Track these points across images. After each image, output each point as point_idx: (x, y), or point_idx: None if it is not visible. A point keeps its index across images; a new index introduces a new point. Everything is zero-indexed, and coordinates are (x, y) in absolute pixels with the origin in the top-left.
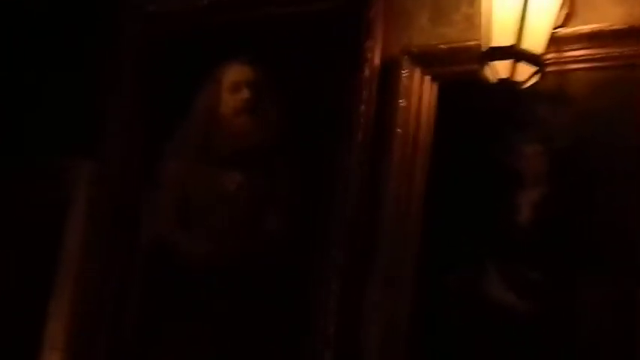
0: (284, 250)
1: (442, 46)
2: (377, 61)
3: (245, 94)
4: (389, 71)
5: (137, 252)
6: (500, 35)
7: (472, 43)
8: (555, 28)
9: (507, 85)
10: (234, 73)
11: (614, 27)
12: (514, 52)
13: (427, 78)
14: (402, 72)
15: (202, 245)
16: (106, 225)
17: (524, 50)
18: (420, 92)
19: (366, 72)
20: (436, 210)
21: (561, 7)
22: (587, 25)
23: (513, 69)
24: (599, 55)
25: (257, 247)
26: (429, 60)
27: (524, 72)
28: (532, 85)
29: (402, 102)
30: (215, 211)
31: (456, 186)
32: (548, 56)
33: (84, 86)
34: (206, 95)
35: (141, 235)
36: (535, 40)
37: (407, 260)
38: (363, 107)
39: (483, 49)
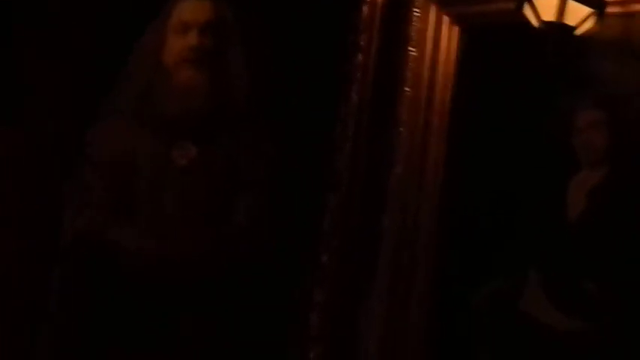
0: (257, 252)
1: None
2: None
3: (192, 39)
4: (395, 9)
5: (57, 251)
6: None
7: None
8: None
9: (555, 30)
10: (186, 10)
11: None
12: None
13: (446, 19)
14: (414, 11)
15: (149, 244)
16: (14, 214)
17: None
18: (437, 38)
19: (365, 10)
20: (458, 202)
21: None
22: None
23: (562, 9)
24: None
25: (220, 245)
26: None
27: (578, 13)
28: (588, 31)
29: (412, 51)
30: (163, 196)
31: (484, 169)
32: None
33: None
34: (149, 37)
35: (62, 232)
36: None
37: (419, 267)
38: (360, 57)
39: None
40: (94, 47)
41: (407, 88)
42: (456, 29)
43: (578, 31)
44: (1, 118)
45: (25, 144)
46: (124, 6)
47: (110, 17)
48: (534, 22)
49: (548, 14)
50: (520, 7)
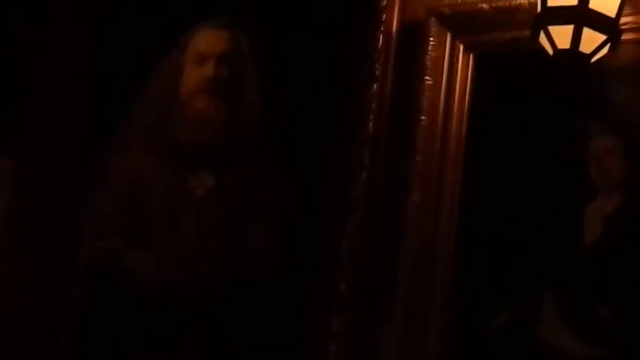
0: (272, 278)
1: (482, 5)
2: (395, 25)
3: (209, 70)
4: (411, 38)
5: (73, 279)
6: None
7: (523, 1)
8: None
9: (570, 58)
10: (203, 40)
11: None
12: (579, 15)
13: (461, 47)
14: (429, 40)
15: (164, 270)
16: (30, 243)
17: (592, 12)
18: (452, 66)
19: (381, 40)
20: (474, 228)
21: None
22: None
23: (577, 36)
24: None
25: (236, 273)
26: (463, 24)
27: (593, 41)
28: (603, 59)
29: (428, 80)
30: (179, 224)
31: (500, 195)
32: (625, 20)
33: None
34: (165, 68)
35: (78, 256)
36: None
37: (436, 294)
38: (375, 87)
39: (538, 9)
40: (106, 70)
41: (423, 117)
42: (471, 57)
43: (594, 59)
44: (14, 147)
45: (40, 172)
46: (133, 27)
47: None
48: (549, 49)
49: (563, 42)
50: (535, 35)
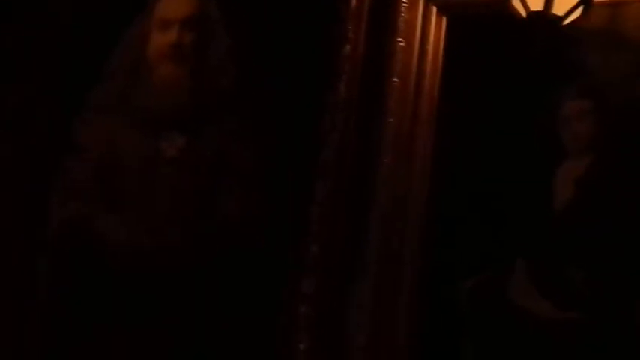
0: (244, 242)
1: None
2: None
3: (173, 36)
4: (383, 1)
5: (43, 244)
6: None
7: None
8: None
9: (542, 20)
10: (167, 6)
11: None
12: None
13: (434, 9)
14: (402, 1)
15: (136, 235)
16: (0, 205)
17: None
18: (425, 29)
19: (353, 1)
20: (446, 192)
21: None
22: None
23: None
24: None
25: (209, 237)
26: None
27: (565, 3)
28: (575, 21)
29: (400, 42)
30: (151, 188)
31: (472, 158)
32: None
33: None
34: (133, 34)
35: (49, 220)
36: None
37: (406, 258)
38: (348, 48)
39: None
40: (76, 35)
41: (395, 79)
42: (444, 19)
43: (566, 21)
44: None
45: (11, 136)
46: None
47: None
48: (522, 12)
49: (536, 4)
50: None
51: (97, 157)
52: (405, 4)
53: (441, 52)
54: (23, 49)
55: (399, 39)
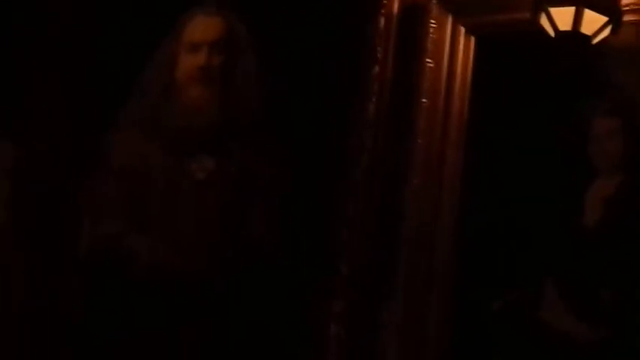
0: (273, 262)
1: None
2: (396, 7)
3: (201, 58)
4: (412, 21)
5: (74, 262)
6: None
7: None
8: None
9: (571, 39)
10: (195, 29)
11: None
12: None
13: (462, 30)
14: (430, 22)
15: (164, 255)
16: (31, 227)
17: None
18: (454, 49)
19: (382, 22)
20: (475, 211)
21: None
22: None
23: (579, 18)
24: None
25: (235, 257)
26: (464, 6)
27: (594, 22)
28: (604, 40)
29: (429, 62)
30: (179, 208)
31: (501, 177)
32: (626, 1)
33: None
34: (162, 56)
35: (80, 241)
36: None
37: (436, 278)
38: (376, 69)
39: None
40: (105, 56)
41: (424, 99)
42: (472, 39)
43: (595, 40)
44: (15, 130)
45: (39, 154)
46: (127, 14)
47: (114, 23)
48: (550, 31)
49: (565, 23)
50: (536, 17)
51: (127, 177)
52: (433, 25)
53: (469, 72)
54: (54, 68)
55: (428, 59)
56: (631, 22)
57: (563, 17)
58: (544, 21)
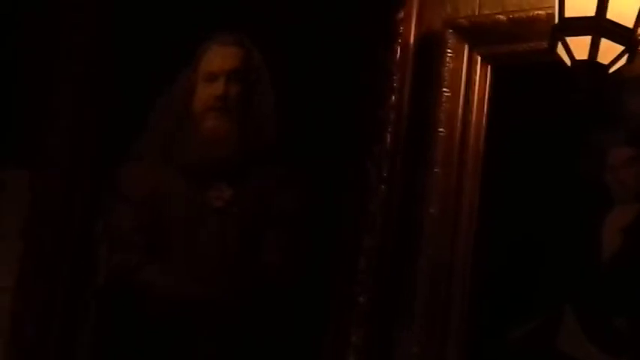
0: (290, 292)
1: (499, 16)
2: (412, 37)
3: (219, 88)
4: (428, 50)
5: (90, 293)
6: (579, 2)
7: (540, 12)
8: None
9: (588, 69)
10: (213, 59)
11: None
12: (596, 26)
13: (479, 59)
14: (446, 52)
15: (182, 285)
16: (46, 256)
17: (609, 22)
18: (470, 78)
19: (398, 52)
20: (493, 240)
21: None
22: None
23: (595, 47)
24: None
25: (254, 287)
26: (481, 35)
27: (610, 51)
28: (620, 69)
29: (446, 92)
30: (196, 237)
31: (519, 207)
32: None
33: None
34: (178, 86)
35: (96, 272)
36: (624, 10)
37: (454, 309)
38: (393, 99)
39: (555, 20)
40: (121, 85)
41: (441, 129)
42: (488, 69)
43: (611, 70)
44: (31, 158)
45: (56, 184)
46: (145, 44)
47: (131, 53)
48: (567, 60)
49: (581, 53)
50: (553, 46)
51: (144, 207)
52: (450, 54)
53: (486, 101)
54: (71, 97)
55: (444, 89)
56: None
57: (579, 46)
58: (560, 50)
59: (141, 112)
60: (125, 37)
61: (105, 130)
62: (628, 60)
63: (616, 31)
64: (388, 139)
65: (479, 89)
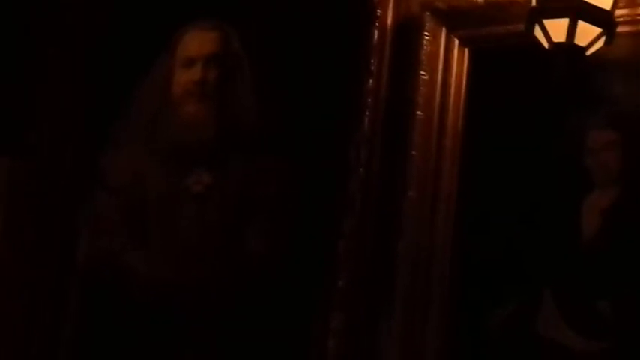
0: (270, 277)
1: None
2: (390, 20)
3: (197, 73)
4: (406, 34)
5: (71, 280)
6: None
7: None
8: None
9: (566, 51)
10: (190, 43)
11: None
12: (574, 8)
13: (457, 42)
14: (424, 35)
15: (163, 271)
16: (27, 242)
17: (587, 4)
18: (448, 61)
19: (375, 35)
20: (472, 223)
21: None
22: None
23: (572, 30)
24: None
25: (235, 273)
26: (459, 18)
27: (588, 34)
28: (598, 52)
29: (423, 75)
30: (177, 223)
31: (497, 190)
32: (620, 12)
33: None
34: (157, 71)
35: (77, 255)
36: None
37: (434, 292)
38: (371, 82)
39: (533, 3)
40: (101, 72)
41: (419, 112)
42: (466, 52)
43: (589, 52)
44: (12, 146)
45: (37, 171)
46: (123, 31)
47: (115, 43)
48: (545, 43)
49: (559, 36)
50: (530, 29)
51: (124, 193)
52: (427, 37)
53: (464, 84)
54: (51, 84)
55: (422, 72)
56: (625, 34)
57: (557, 29)
58: (538, 33)
59: (121, 99)
60: (105, 24)
61: (86, 117)
62: (606, 42)
63: (593, 14)
64: (366, 123)
65: (457, 72)
